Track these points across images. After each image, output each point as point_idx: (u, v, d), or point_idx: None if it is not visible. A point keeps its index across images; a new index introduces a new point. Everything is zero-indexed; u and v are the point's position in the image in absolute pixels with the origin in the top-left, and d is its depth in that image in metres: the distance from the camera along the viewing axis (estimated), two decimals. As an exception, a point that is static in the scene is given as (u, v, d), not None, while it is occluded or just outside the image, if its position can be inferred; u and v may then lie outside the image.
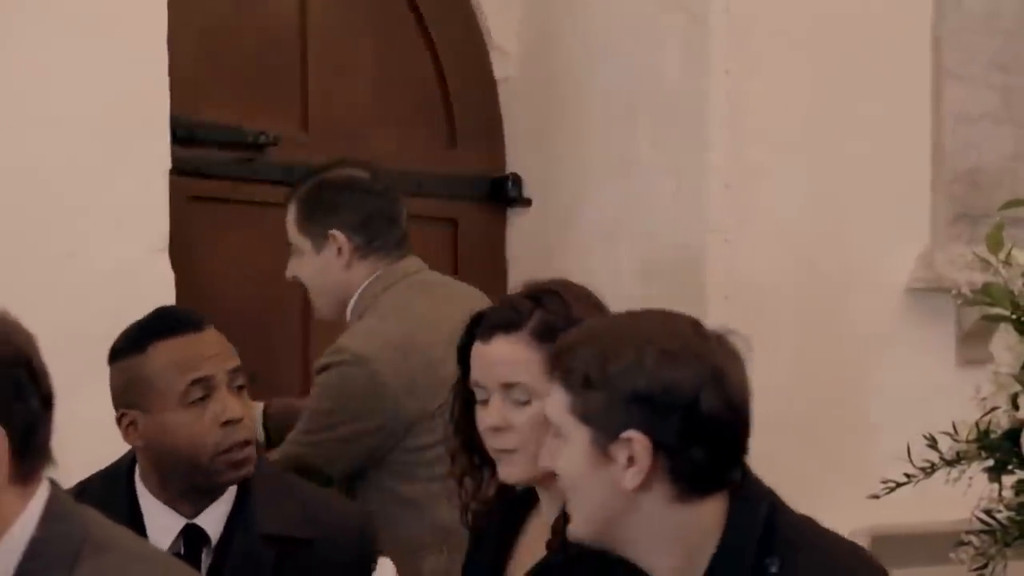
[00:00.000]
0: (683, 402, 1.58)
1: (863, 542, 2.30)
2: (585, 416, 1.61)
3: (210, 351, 2.13)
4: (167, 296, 2.75)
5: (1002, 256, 2.91)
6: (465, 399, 1.96)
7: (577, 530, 1.66)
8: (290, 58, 3.45)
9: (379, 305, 2.71)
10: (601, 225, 3.59)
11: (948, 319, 3.67)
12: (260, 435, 2.63)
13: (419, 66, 3.63)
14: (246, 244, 3.32)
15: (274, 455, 2.56)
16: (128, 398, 2.13)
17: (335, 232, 2.73)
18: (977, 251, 3.14)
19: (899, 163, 3.60)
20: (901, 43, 3.61)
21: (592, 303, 1.94)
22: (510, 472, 1.90)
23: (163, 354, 2.11)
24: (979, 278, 3.00)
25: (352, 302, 2.75)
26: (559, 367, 1.64)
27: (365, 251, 2.74)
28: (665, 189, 3.44)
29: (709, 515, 1.62)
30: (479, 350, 1.91)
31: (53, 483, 1.53)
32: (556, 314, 1.88)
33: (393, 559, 2.28)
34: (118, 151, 2.78)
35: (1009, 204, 3.21)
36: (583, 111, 3.67)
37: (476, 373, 1.91)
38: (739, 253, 3.41)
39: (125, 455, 2.22)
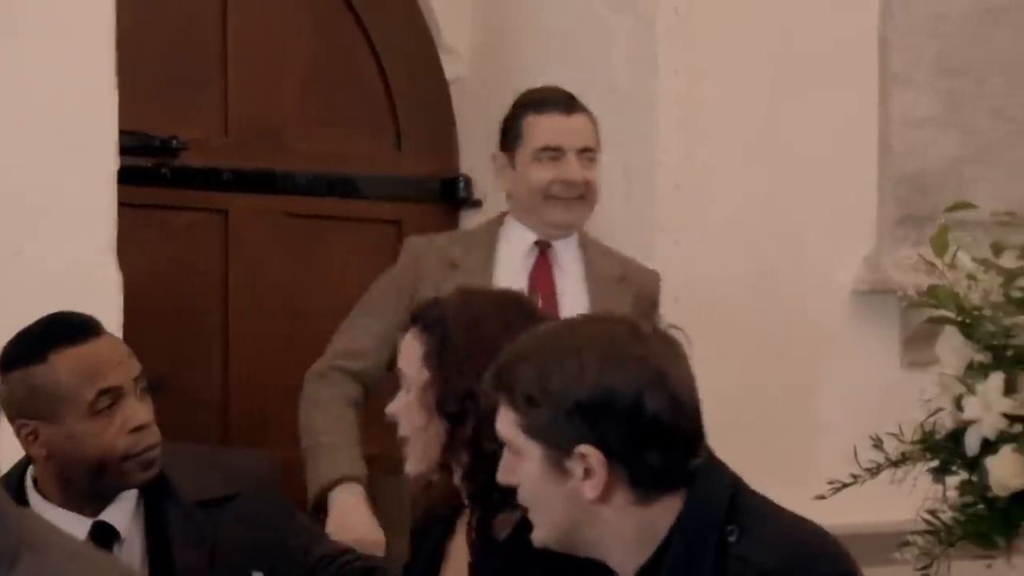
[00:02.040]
0: (627, 408, 1.57)
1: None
2: (534, 433, 1.60)
3: (114, 359, 2.10)
4: (114, 297, 2.74)
5: (947, 259, 2.94)
6: None
7: (540, 538, 1.65)
8: (209, 59, 3.41)
9: None
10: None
11: (894, 321, 3.70)
12: None
13: (360, 66, 3.62)
14: (160, 248, 3.30)
15: None
16: (29, 408, 2.08)
17: None
18: (922, 253, 3.18)
19: (846, 165, 3.62)
20: (848, 46, 3.63)
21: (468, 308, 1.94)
22: (406, 466, 1.92)
23: (66, 363, 2.07)
24: (924, 280, 3.02)
25: None
26: (501, 385, 1.63)
27: None
28: (615, 190, 3.44)
29: (674, 507, 1.62)
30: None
31: None
32: (429, 307, 1.92)
33: None
34: (67, 152, 2.76)
35: (954, 207, 3.24)
36: (534, 111, 3.67)
37: None
38: (689, 254, 3.42)
39: (16, 465, 2.16)
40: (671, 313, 3.35)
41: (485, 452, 1.78)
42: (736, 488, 1.65)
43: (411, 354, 1.89)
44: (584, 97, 3.53)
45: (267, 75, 3.48)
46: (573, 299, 2.59)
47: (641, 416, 1.58)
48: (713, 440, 3.55)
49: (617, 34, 3.45)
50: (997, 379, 2.66)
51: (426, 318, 1.89)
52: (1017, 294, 2.78)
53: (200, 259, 3.29)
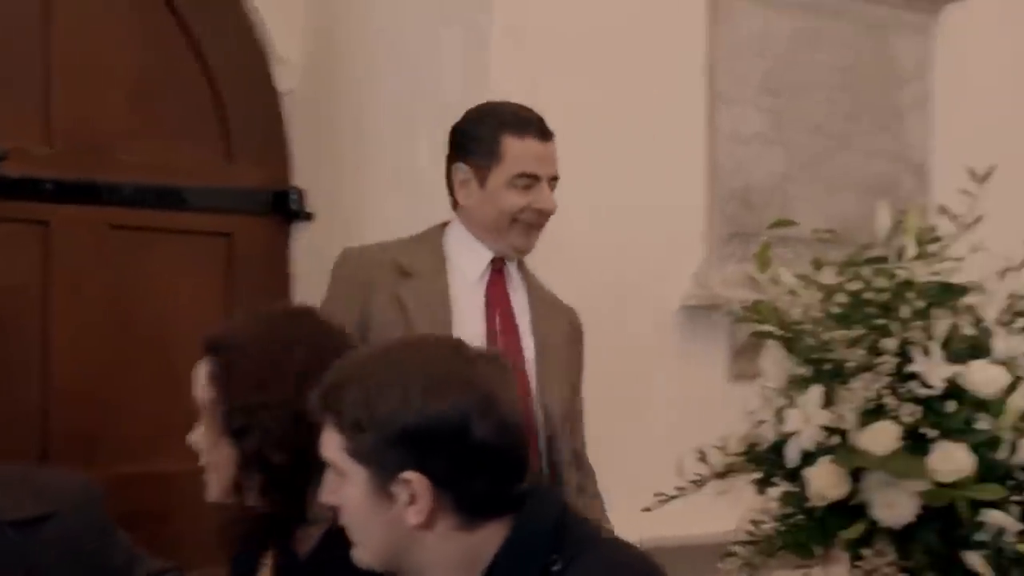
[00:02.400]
0: (453, 435, 1.56)
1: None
2: (360, 457, 1.58)
3: None
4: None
5: (769, 274, 3.01)
6: None
7: (364, 560, 1.63)
8: (31, 67, 3.33)
9: None
10: (385, 237, 3.57)
11: (722, 336, 3.76)
12: None
13: (190, 77, 3.56)
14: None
15: None
16: None
17: None
18: (748, 269, 3.25)
19: (676, 183, 3.68)
20: (676, 65, 3.70)
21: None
22: (206, 493, 1.91)
23: None
24: (749, 296, 3.09)
25: None
26: (328, 408, 1.61)
27: None
28: (447, 203, 3.45)
29: (500, 533, 1.61)
30: None
31: None
32: (215, 330, 1.91)
33: None
34: None
35: (776, 224, 3.32)
36: (368, 124, 3.65)
37: None
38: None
39: None
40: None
41: (275, 466, 1.77)
42: (563, 514, 1.64)
43: (199, 378, 1.88)
44: (416, 111, 3.55)
45: (92, 85, 3.40)
46: (523, 318, 2.55)
47: (468, 442, 1.57)
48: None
49: (449, 48, 3.45)
50: (816, 392, 2.73)
51: (211, 341, 1.88)
52: (836, 309, 2.86)
53: (20, 271, 3.20)
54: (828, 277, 2.96)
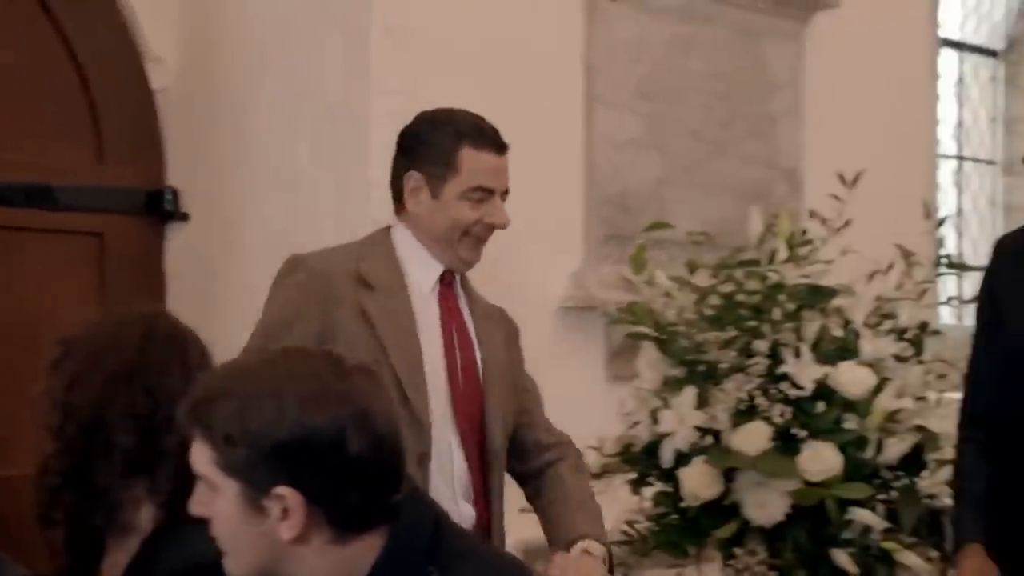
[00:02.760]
0: (328, 450, 1.54)
1: (517, 554, 2.35)
2: (232, 471, 1.56)
3: None
4: None
5: (645, 276, 3.04)
6: None
7: (234, 572, 1.61)
8: None
9: None
10: (265, 239, 3.55)
11: (600, 337, 3.80)
12: None
13: (61, 75, 3.49)
14: None
15: None
16: None
17: None
18: (624, 271, 3.28)
19: (555, 185, 3.70)
20: (555, 69, 3.72)
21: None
22: None
23: None
24: (625, 297, 3.13)
25: None
26: (198, 421, 1.58)
27: None
28: (328, 204, 3.43)
29: (375, 546, 1.60)
30: None
31: None
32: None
33: None
34: None
35: (652, 226, 3.37)
36: (246, 124, 3.62)
37: None
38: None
39: None
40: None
41: (68, 471, 1.77)
42: (438, 526, 1.64)
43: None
44: (296, 111, 3.52)
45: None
46: (470, 330, 2.49)
47: (343, 457, 1.55)
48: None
49: (329, 50, 3.43)
50: (690, 393, 2.77)
51: (59, 338, 1.86)
52: (709, 311, 2.91)
53: None
54: (702, 279, 3.01)
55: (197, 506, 1.61)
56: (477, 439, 2.40)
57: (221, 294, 3.62)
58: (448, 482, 2.34)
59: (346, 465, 1.55)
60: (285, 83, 3.53)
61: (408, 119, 3.45)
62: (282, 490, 1.54)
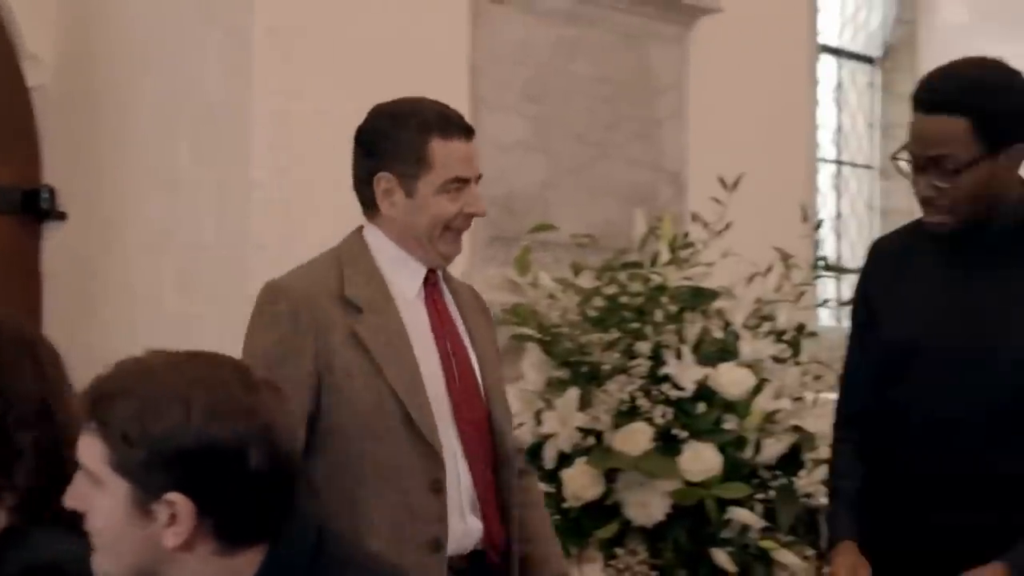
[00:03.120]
0: (229, 463, 1.51)
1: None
2: (123, 471, 1.54)
3: None
4: None
5: (529, 278, 3.06)
6: None
7: (105, 571, 1.59)
8: None
9: None
10: (144, 238, 3.50)
11: (485, 337, 3.80)
12: None
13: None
14: None
15: None
16: None
17: None
18: (509, 273, 3.30)
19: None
20: (440, 70, 3.71)
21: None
22: None
23: None
24: (510, 299, 3.14)
25: None
26: (95, 415, 1.55)
27: None
28: (209, 203, 3.39)
29: (258, 557, 1.58)
30: None
31: None
32: None
33: None
34: None
35: (537, 228, 3.39)
36: (127, 123, 3.56)
37: None
38: (283, 269, 3.39)
39: None
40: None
41: None
42: (320, 538, 1.63)
43: None
44: (176, 110, 3.47)
45: None
46: (461, 329, 2.35)
47: (242, 471, 1.52)
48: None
49: (210, 48, 3.39)
50: (573, 394, 2.80)
51: None
52: (593, 313, 2.93)
53: None
54: (586, 281, 3.04)
55: (72, 499, 1.58)
56: (486, 446, 2.28)
57: (100, 294, 3.56)
58: (455, 497, 2.21)
59: (243, 479, 1.53)
60: (166, 82, 3.48)
61: (290, 119, 3.44)
62: (173, 496, 1.51)
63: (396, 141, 2.29)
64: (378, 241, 2.32)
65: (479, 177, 2.33)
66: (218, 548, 1.54)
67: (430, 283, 2.33)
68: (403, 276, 2.30)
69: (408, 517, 2.14)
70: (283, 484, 1.57)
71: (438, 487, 2.17)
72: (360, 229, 2.36)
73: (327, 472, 2.15)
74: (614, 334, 2.96)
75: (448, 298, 2.36)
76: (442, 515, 2.16)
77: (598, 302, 2.92)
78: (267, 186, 3.38)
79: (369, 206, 2.33)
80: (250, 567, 1.57)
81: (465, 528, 2.20)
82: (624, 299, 3.08)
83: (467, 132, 2.29)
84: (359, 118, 3.54)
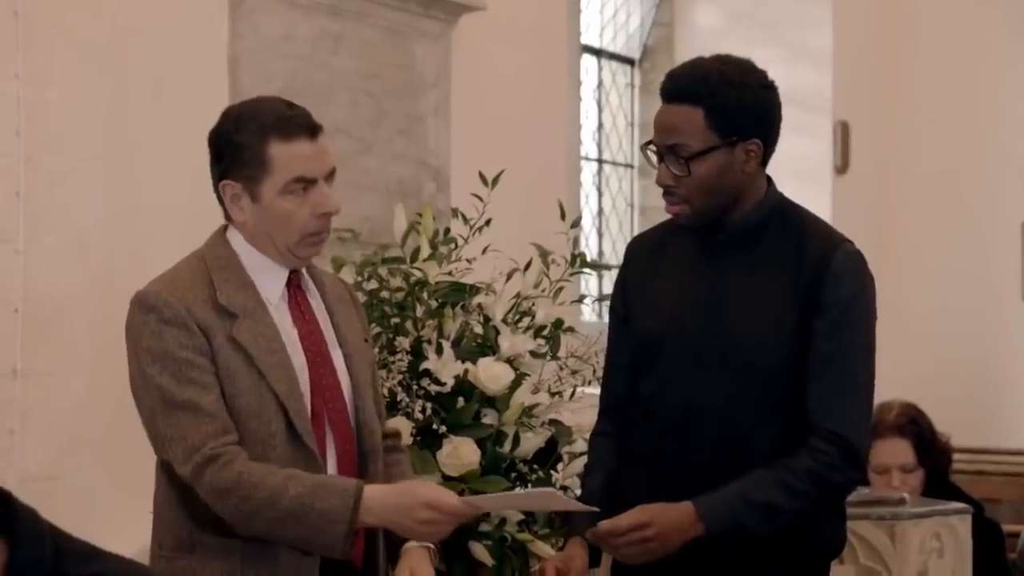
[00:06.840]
0: None
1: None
2: None
3: None
4: None
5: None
6: None
7: None
8: None
9: None
10: None
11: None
12: None
13: None
14: None
15: None
16: None
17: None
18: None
19: (198, 179, 3.61)
20: (199, 61, 3.64)
21: None
22: None
23: None
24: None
25: None
26: None
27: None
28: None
29: None
30: None
31: None
32: None
33: None
34: None
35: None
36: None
37: None
38: (32, 265, 3.28)
39: None
40: (9, 324, 3.20)
41: None
42: (55, 537, 1.60)
43: None
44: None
45: None
46: (327, 328, 2.33)
47: None
48: (60, 458, 3.42)
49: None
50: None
51: None
52: (352, 307, 2.92)
53: None
54: (347, 276, 3.02)
55: None
56: (351, 443, 2.29)
57: None
58: None
59: None
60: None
61: (36, 107, 3.31)
62: None
63: (237, 146, 2.27)
64: (240, 246, 2.31)
65: (332, 173, 2.31)
66: None
67: (294, 284, 2.33)
68: (267, 280, 2.29)
69: None
70: None
71: None
72: (224, 230, 2.34)
73: None
74: (374, 329, 2.95)
75: (314, 294, 2.36)
76: None
77: (360, 297, 2.91)
78: (14, 177, 3.25)
79: (225, 212, 2.32)
80: None
81: None
82: (384, 294, 3.08)
83: (311, 131, 2.28)
84: (115, 109, 3.46)
